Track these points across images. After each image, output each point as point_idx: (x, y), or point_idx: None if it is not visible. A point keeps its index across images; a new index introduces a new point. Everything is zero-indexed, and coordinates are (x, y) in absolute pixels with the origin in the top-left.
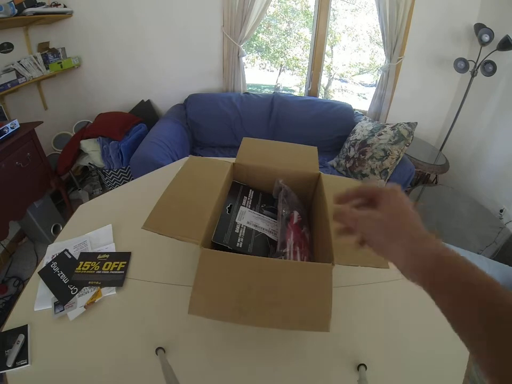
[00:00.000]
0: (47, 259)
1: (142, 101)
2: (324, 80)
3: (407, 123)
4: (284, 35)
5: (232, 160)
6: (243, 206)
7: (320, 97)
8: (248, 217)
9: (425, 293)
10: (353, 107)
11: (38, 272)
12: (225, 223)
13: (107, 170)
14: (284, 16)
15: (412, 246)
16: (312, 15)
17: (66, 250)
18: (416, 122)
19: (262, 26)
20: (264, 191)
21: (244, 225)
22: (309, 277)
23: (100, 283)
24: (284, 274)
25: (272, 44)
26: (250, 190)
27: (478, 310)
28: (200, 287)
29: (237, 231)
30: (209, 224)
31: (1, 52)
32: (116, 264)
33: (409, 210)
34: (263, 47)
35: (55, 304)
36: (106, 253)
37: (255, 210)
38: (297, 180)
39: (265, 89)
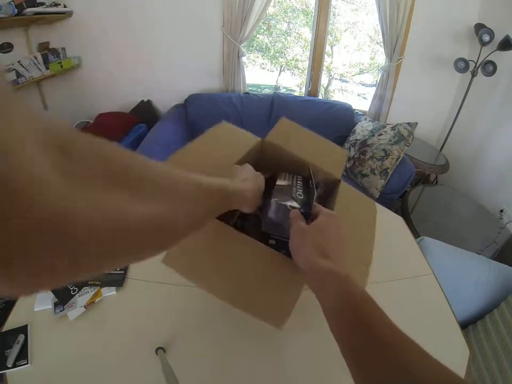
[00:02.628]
0: None
1: (142, 101)
2: (324, 80)
3: (407, 123)
4: (283, 35)
5: None
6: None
7: (320, 97)
8: None
9: (424, 294)
10: (353, 107)
11: None
12: None
13: None
14: (284, 16)
15: (312, 260)
16: (312, 15)
17: None
18: (416, 123)
19: (262, 26)
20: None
21: None
22: (285, 271)
23: (100, 283)
24: (262, 260)
25: (272, 44)
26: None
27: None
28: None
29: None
30: None
31: (1, 52)
32: None
33: (332, 233)
34: (263, 47)
35: (55, 304)
36: None
37: None
38: (321, 178)
39: (265, 89)
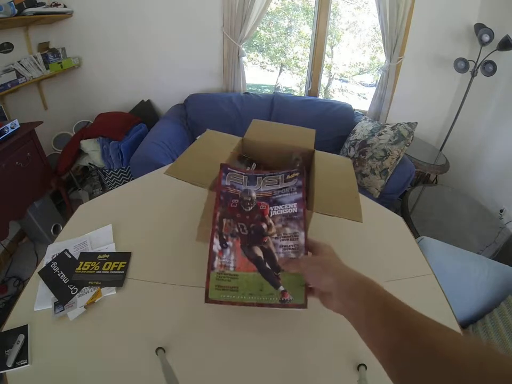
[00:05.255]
0: (47, 259)
1: (142, 101)
2: (324, 80)
3: (407, 123)
4: (284, 34)
5: None
6: None
7: (320, 97)
8: None
9: (424, 294)
10: (353, 107)
11: (38, 272)
12: None
13: (107, 170)
14: (285, 13)
15: (340, 276)
16: (313, 14)
17: (66, 250)
18: (416, 122)
19: (263, 23)
20: (267, 165)
21: None
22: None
23: (100, 283)
24: None
25: (273, 43)
26: (254, 163)
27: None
28: (207, 218)
29: None
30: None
31: (1, 52)
32: (115, 264)
33: (335, 255)
34: (264, 46)
35: (55, 304)
36: (106, 253)
37: None
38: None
39: (265, 89)
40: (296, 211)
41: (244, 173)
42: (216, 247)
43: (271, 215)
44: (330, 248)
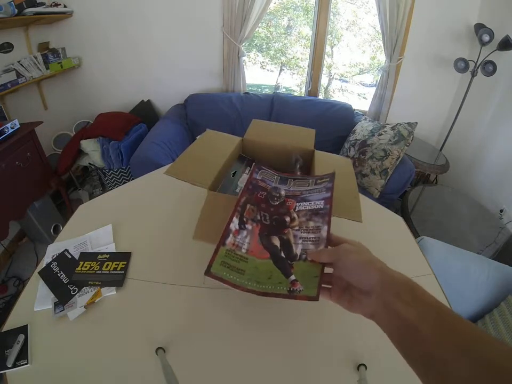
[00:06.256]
0: (47, 259)
1: (142, 101)
2: (324, 80)
3: (407, 123)
4: (284, 34)
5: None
6: (245, 174)
7: (320, 97)
8: None
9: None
10: (353, 107)
11: (38, 272)
12: (229, 183)
13: (107, 170)
14: (285, 13)
15: (384, 272)
16: (313, 14)
17: (66, 250)
18: (416, 122)
19: (263, 23)
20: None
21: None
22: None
23: (100, 283)
24: None
25: (273, 42)
26: (253, 163)
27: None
28: (204, 219)
29: (237, 191)
30: (217, 177)
31: (1, 52)
32: (115, 264)
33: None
34: (264, 46)
35: (55, 304)
36: (106, 253)
37: None
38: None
39: (265, 89)
40: (322, 206)
41: (276, 173)
42: (234, 225)
43: (296, 210)
44: (364, 245)
